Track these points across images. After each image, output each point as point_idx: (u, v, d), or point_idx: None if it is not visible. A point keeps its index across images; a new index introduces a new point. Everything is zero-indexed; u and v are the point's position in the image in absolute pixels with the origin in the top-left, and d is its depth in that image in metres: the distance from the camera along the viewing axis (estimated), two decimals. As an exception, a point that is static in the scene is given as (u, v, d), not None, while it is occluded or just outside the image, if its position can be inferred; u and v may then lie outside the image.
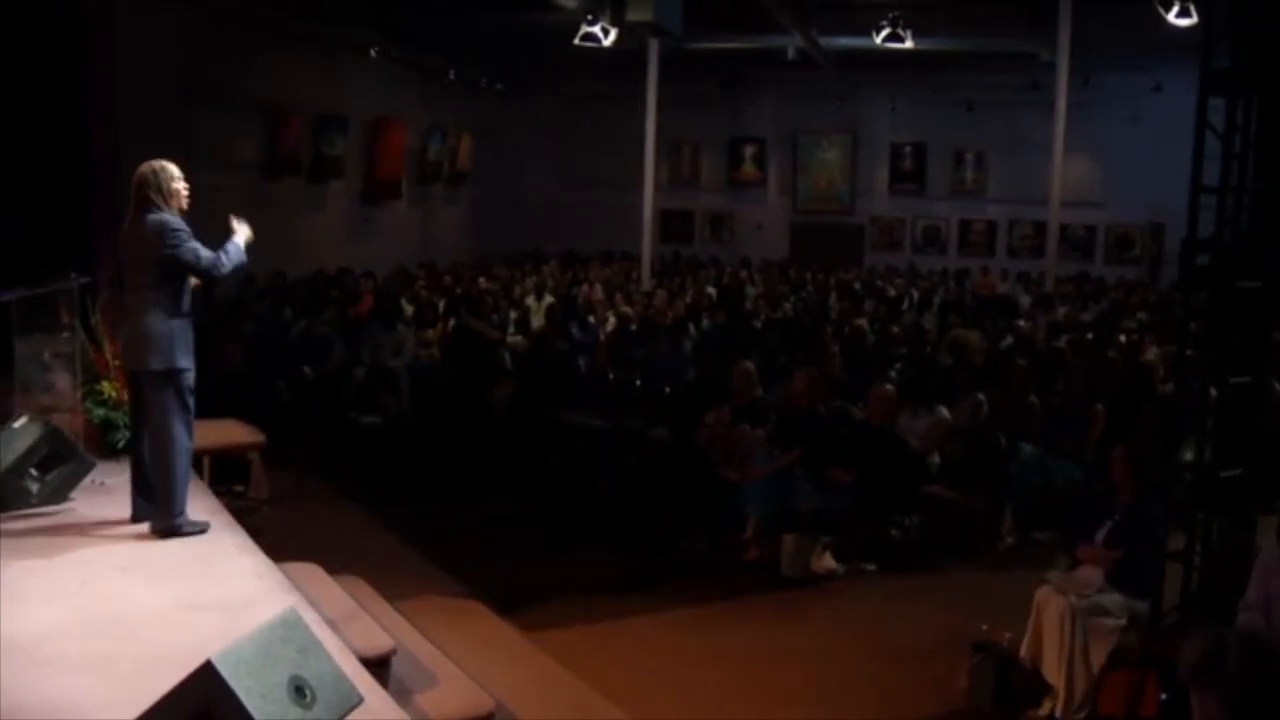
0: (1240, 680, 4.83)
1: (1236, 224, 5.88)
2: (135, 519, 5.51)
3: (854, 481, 8.17)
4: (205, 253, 5.38)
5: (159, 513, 5.36)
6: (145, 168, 5.42)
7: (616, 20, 14.96)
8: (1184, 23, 13.47)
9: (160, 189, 5.38)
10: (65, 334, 6.40)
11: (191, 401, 5.46)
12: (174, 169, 5.47)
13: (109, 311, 7.06)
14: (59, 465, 5.80)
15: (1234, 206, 5.87)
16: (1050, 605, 5.81)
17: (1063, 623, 5.69)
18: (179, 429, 5.37)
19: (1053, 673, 5.74)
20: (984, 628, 6.10)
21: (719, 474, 8.63)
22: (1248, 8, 5.86)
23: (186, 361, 5.40)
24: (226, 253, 5.47)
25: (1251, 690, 4.80)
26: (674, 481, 8.84)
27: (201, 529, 5.41)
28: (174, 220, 5.35)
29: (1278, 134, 5.84)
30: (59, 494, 5.80)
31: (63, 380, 6.39)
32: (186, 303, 5.45)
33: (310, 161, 17.89)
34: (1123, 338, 12.70)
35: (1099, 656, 5.68)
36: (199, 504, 5.84)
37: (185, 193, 5.48)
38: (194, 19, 14.39)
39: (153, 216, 5.32)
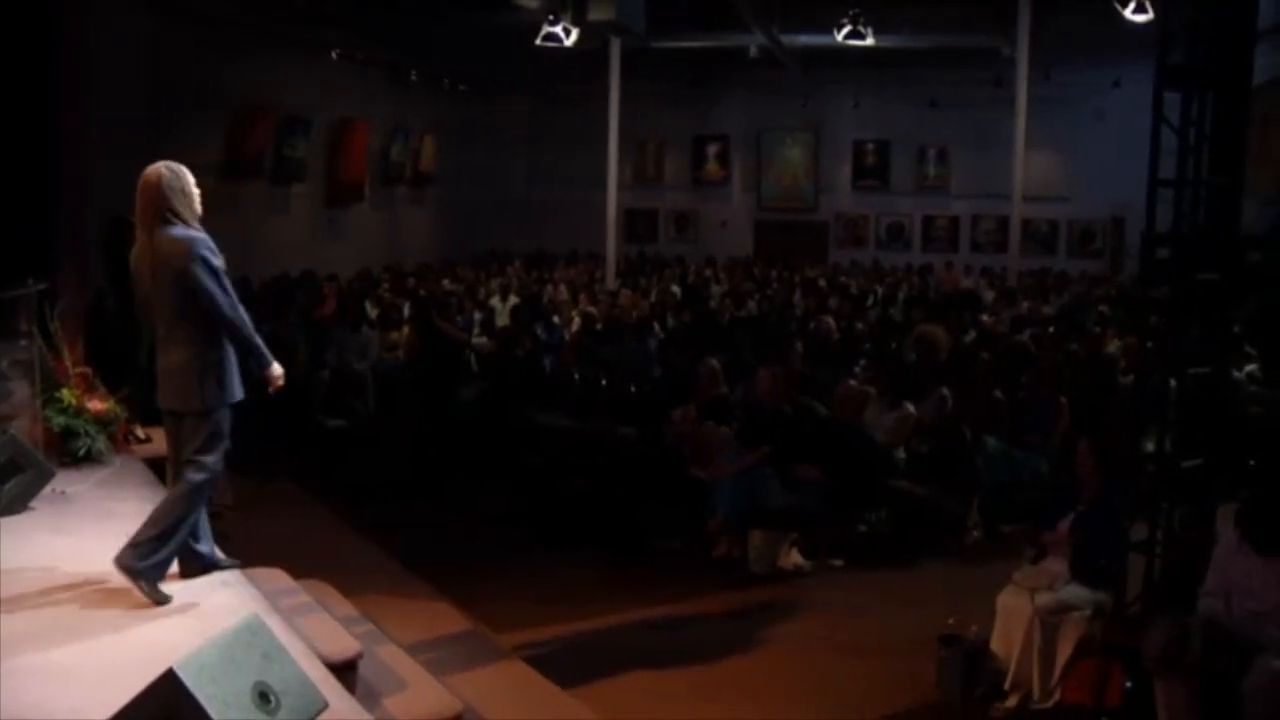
0: (1201, 667, 4.89)
1: (1194, 217, 5.94)
2: (184, 574, 4.82)
3: (820, 478, 8.20)
4: (230, 294, 4.64)
5: (132, 551, 4.55)
6: (163, 169, 4.69)
7: (578, 19, 14.94)
8: (1140, 18, 13.61)
9: (184, 193, 4.67)
10: (23, 341, 6.33)
11: (219, 456, 4.76)
12: (187, 171, 4.77)
13: (68, 319, 6.99)
14: (18, 474, 5.73)
15: (1191, 200, 5.93)
16: (1014, 609, 5.85)
17: (1030, 626, 5.74)
18: (203, 477, 4.69)
19: (1020, 670, 5.79)
20: (951, 621, 6.14)
21: (687, 472, 8.64)
22: (1202, 5, 5.92)
23: (229, 400, 4.73)
24: (250, 332, 4.71)
25: (1213, 677, 4.86)
26: (642, 480, 8.84)
27: (163, 599, 4.56)
28: (203, 238, 4.63)
29: (1232, 128, 5.91)
30: (19, 503, 5.73)
31: (21, 388, 6.32)
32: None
33: (273, 163, 17.78)
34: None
35: (1066, 651, 5.74)
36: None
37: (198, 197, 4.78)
38: (159, 20, 14.27)
39: (179, 231, 4.60)
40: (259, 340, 4.78)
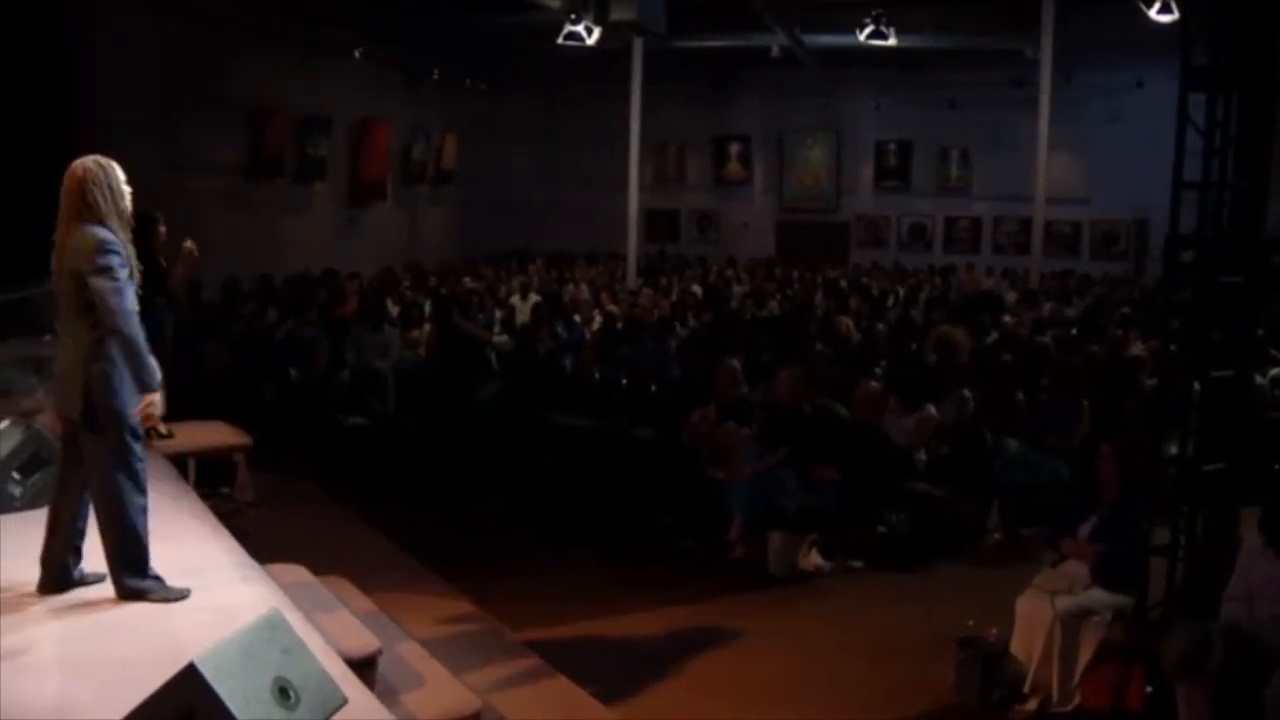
0: (1223, 673, 4.86)
1: (1218, 219, 5.91)
2: (44, 589, 4.59)
3: (839, 479, 8.18)
4: (129, 304, 4.40)
5: (114, 580, 4.55)
6: (90, 163, 4.48)
7: (600, 19, 14.95)
8: (1165, 19, 13.53)
9: (109, 188, 4.46)
10: (47, 337, 6.37)
11: (139, 449, 4.55)
12: (118, 168, 4.55)
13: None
14: (42, 468, 5.77)
15: (1215, 202, 5.89)
16: (1034, 613, 5.82)
17: (1050, 629, 5.71)
18: (125, 484, 4.48)
19: (1040, 673, 5.76)
20: (970, 624, 6.11)
21: (705, 473, 8.64)
22: (1226, 5, 5.88)
23: (128, 408, 4.48)
24: (143, 348, 4.44)
25: (1234, 683, 4.83)
26: (660, 480, 8.84)
27: (180, 595, 4.56)
28: (114, 240, 4.41)
29: (1257, 130, 5.87)
30: (42, 497, 5.75)
31: (46, 384, 6.36)
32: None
33: (295, 163, 17.85)
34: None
35: (1086, 655, 5.71)
36: (183, 506, 5.84)
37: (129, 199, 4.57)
38: (178, 22, 14.35)
39: (91, 229, 4.39)
40: (149, 359, 4.48)
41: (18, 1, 7.44)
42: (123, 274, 4.41)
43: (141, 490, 4.56)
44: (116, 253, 4.40)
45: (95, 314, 4.41)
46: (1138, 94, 19.49)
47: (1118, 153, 19.85)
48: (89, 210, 4.42)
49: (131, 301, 4.43)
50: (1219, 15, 5.93)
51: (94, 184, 4.44)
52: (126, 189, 4.54)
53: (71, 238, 4.42)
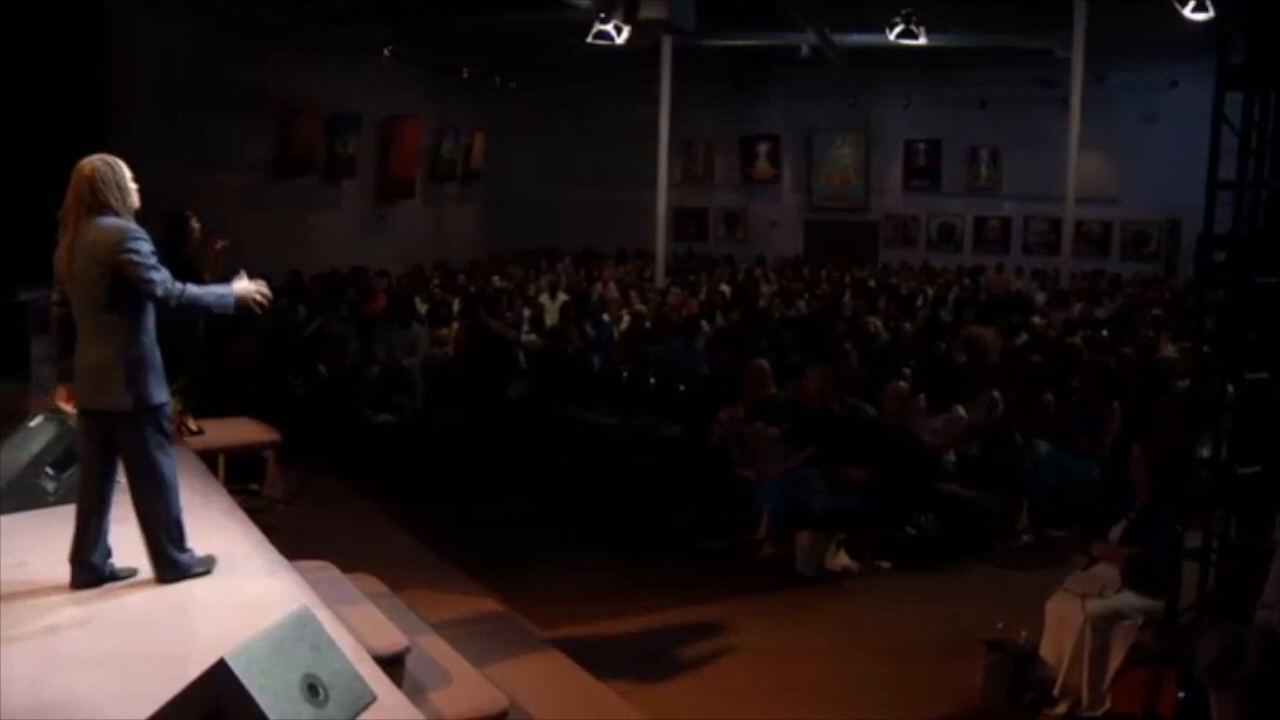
0: (1258, 679, 4.80)
1: (1253, 219, 5.85)
2: (77, 585, 4.60)
3: (867, 479, 8.15)
4: (167, 277, 4.51)
5: (159, 563, 4.65)
6: (97, 161, 4.53)
7: (629, 18, 14.93)
8: (1200, 17, 13.38)
9: (118, 186, 4.53)
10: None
11: (169, 431, 4.74)
12: (124, 165, 4.62)
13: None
14: (75, 463, 5.80)
15: (1251, 202, 5.83)
16: (1065, 615, 5.78)
17: (1080, 632, 5.67)
18: (168, 466, 4.64)
19: (1070, 677, 5.72)
20: (999, 626, 6.07)
21: (733, 472, 8.62)
22: (1263, 2, 5.82)
23: (162, 394, 4.62)
24: (193, 288, 4.62)
25: (1269, 689, 4.78)
26: (688, 480, 8.83)
27: (210, 564, 4.79)
28: (135, 227, 4.50)
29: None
30: (75, 492, 5.80)
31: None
32: (152, 323, 4.59)
33: (324, 161, 17.94)
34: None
35: (1117, 658, 5.67)
36: (212, 502, 5.87)
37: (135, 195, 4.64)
38: (207, 21, 14.45)
39: (109, 221, 4.45)
40: (204, 293, 4.66)
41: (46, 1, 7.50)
42: (153, 258, 4.47)
43: (175, 472, 4.70)
44: (144, 238, 4.48)
45: (125, 305, 4.49)
46: (1171, 93, 19.32)
47: (1150, 153, 19.69)
48: (102, 206, 4.48)
49: (166, 274, 4.51)
50: (1255, 13, 5.86)
51: (103, 182, 4.50)
52: (133, 185, 4.60)
53: (87, 234, 4.46)
